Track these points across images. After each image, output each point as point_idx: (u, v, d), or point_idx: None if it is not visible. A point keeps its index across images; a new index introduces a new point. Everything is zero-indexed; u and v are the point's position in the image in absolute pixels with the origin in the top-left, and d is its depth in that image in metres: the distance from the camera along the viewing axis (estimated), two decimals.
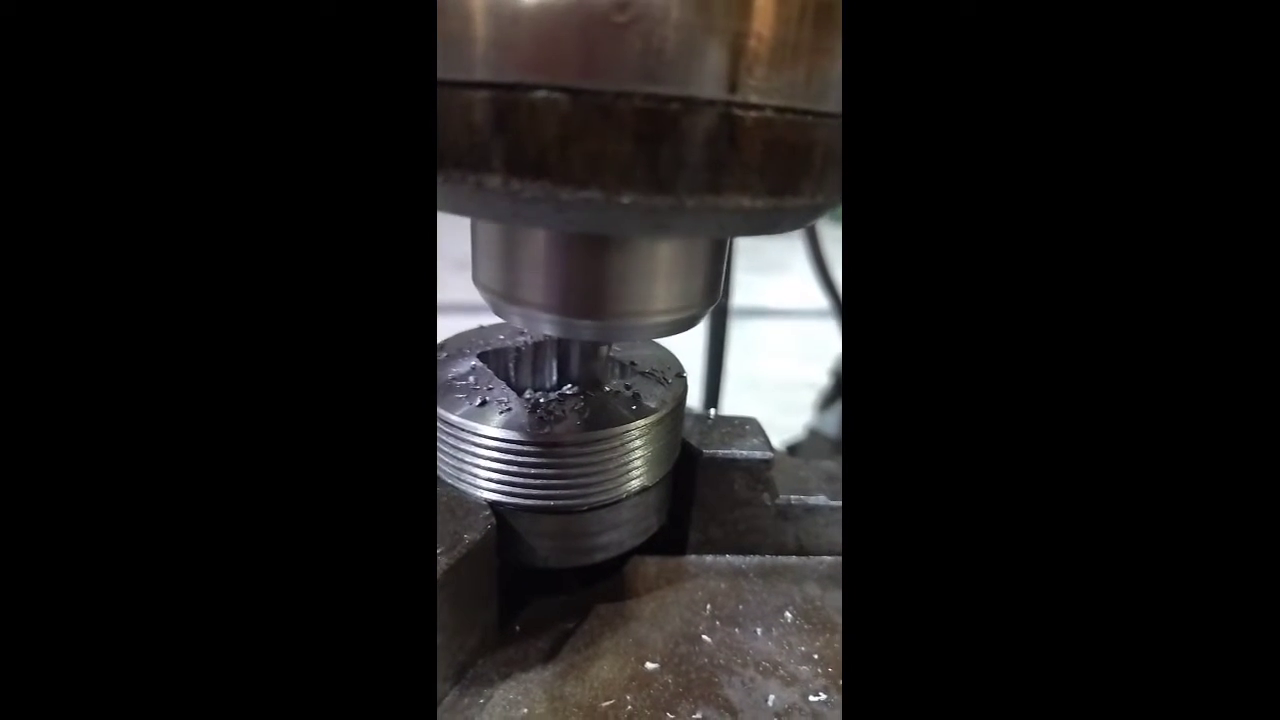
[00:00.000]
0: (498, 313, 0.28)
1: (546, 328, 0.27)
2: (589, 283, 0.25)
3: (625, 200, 0.18)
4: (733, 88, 0.17)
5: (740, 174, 0.19)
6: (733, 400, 1.01)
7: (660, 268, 0.25)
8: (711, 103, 0.18)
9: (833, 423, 1.09)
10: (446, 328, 0.39)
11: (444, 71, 0.18)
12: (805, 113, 0.19)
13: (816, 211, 0.22)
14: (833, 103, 0.19)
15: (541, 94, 0.17)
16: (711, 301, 0.28)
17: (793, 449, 1.13)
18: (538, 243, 0.25)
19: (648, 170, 0.18)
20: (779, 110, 0.18)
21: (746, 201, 0.19)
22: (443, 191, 0.20)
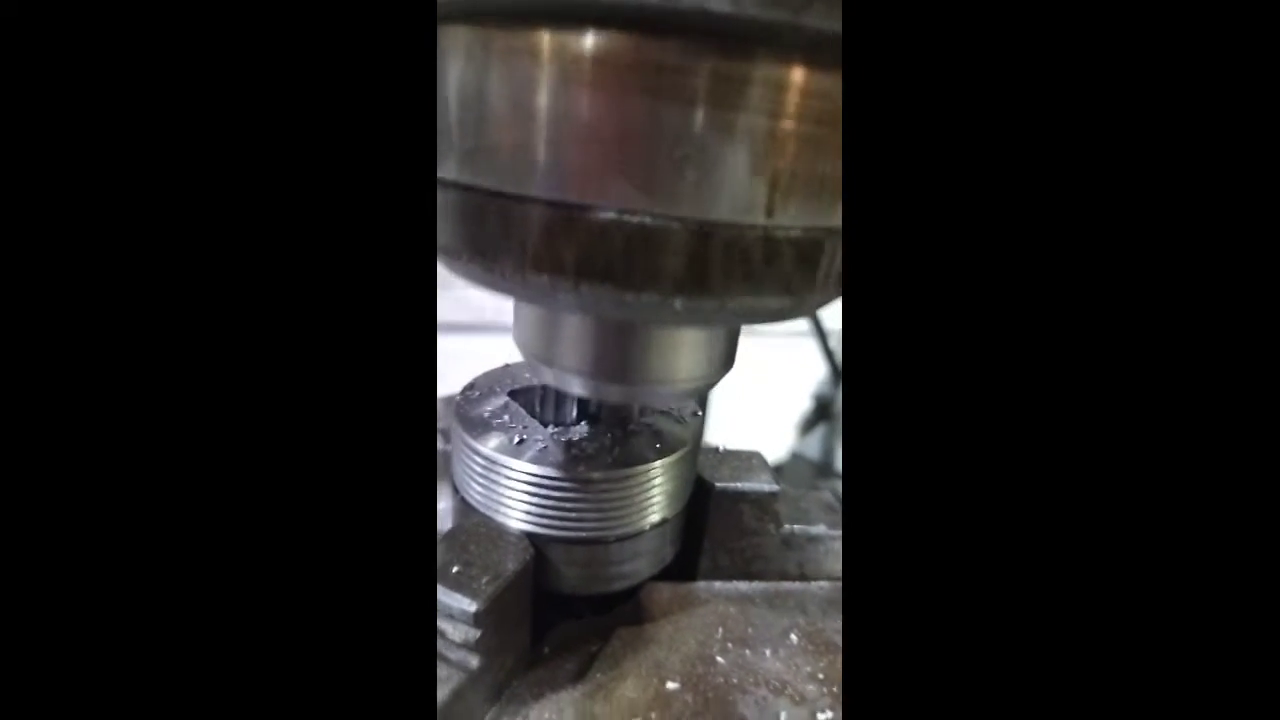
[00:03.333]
0: (533, 371, 0.31)
1: (577, 389, 0.30)
2: (619, 355, 0.28)
3: (677, 304, 0.22)
4: (770, 214, 0.21)
5: (773, 281, 0.22)
6: (714, 423, 1.05)
7: (684, 344, 0.29)
8: (753, 227, 0.21)
9: (814, 446, 1.13)
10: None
11: (520, 187, 0.21)
12: (825, 230, 0.22)
13: (827, 301, 0.26)
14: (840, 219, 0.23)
15: (610, 215, 0.21)
16: (727, 369, 0.32)
17: (776, 471, 1.16)
18: (575, 319, 0.28)
19: (698, 280, 0.22)
20: (805, 230, 0.22)
21: (775, 302, 0.23)
22: (518, 287, 0.23)
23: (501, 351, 0.41)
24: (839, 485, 0.57)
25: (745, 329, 0.30)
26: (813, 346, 1.12)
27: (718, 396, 0.99)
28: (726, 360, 0.31)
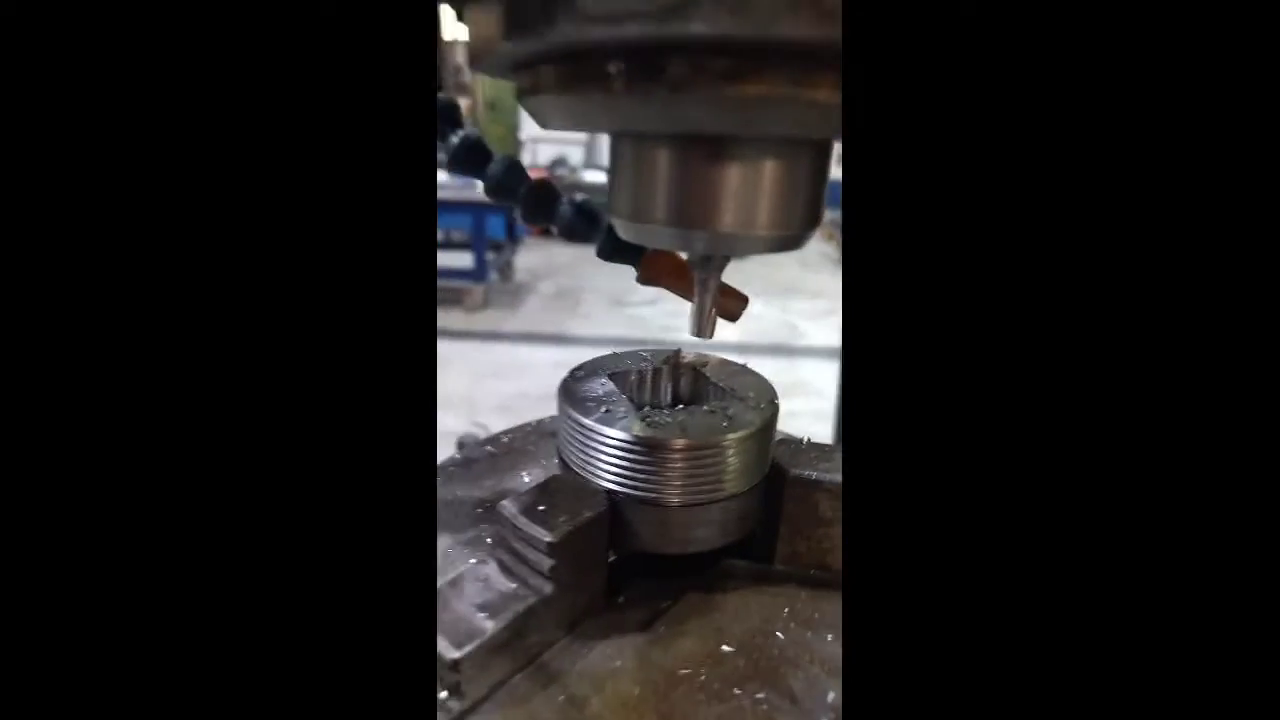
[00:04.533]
0: (630, 235, 0.35)
1: (668, 240, 0.33)
2: (701, 198, 0.31)
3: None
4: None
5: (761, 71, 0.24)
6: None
7: (763, 188, 0.31)
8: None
9: None
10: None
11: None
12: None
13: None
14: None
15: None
16: (812, 226, 0.33)
17: None
18: (660, 168, 0.31)
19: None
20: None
21: (765, 89, 0.24)
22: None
23: None
24: None
25: None
26: None
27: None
28: (810, 215, 0.33)
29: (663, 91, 0.25)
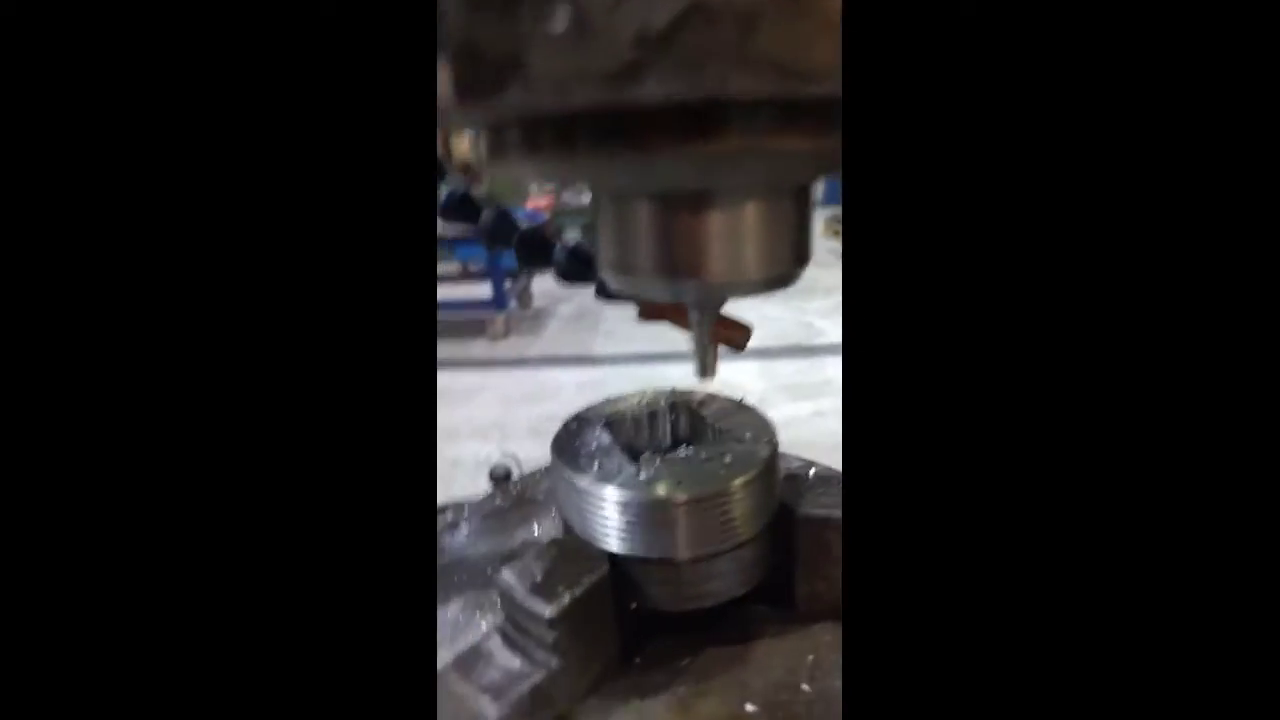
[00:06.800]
0: (619, 286, 0.33)
1: (658, 292, 0.32)
2: (686, 249, 0.30)
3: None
4: None
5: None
6: None
7: (748, 233, 0.30)
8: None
9: None
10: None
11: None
12: None
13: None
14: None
15: None
16: (801, 263, 0.32)
17: None
18: (641, 222, 0.30)
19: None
20: None
21: (731, 145, 0.23)
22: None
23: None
24: None
25: None
26: None
27: None
28: (798, 254, 0.32)
29: (627, 153, 0.24)
